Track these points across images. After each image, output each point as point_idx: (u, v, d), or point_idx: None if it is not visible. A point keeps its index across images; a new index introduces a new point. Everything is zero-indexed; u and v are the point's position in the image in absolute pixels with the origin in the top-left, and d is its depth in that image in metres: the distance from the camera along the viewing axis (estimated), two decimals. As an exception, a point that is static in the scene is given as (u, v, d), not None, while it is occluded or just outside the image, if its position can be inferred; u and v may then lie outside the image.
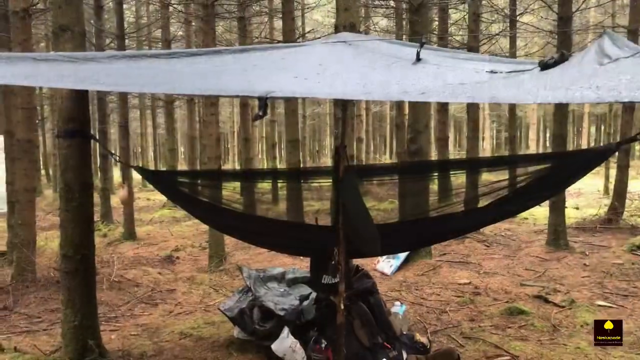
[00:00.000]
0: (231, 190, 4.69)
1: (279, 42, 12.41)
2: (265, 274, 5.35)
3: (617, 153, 10.14)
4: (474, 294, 6.39)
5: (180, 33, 17.55)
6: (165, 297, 6.65)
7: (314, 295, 4.78)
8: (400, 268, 7.59)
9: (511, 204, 3.82)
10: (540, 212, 10.79)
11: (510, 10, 13.37)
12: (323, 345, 4.27)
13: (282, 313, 4.61)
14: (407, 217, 8.05)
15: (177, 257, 8.96)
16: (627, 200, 10.81)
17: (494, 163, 4.94)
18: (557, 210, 8.50)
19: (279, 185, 14.83)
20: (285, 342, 4.36)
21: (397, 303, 5.17)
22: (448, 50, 4.47)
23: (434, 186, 12.49)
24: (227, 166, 34.11)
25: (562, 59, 2.93)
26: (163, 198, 15.39)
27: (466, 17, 13.08)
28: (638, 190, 14.13)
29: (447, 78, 3.00)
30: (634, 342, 4.73)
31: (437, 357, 4.32)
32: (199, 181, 4.86)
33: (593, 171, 3.71)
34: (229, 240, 8.72)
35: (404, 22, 14.32)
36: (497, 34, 14.23)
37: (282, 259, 8.26)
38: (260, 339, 4.68)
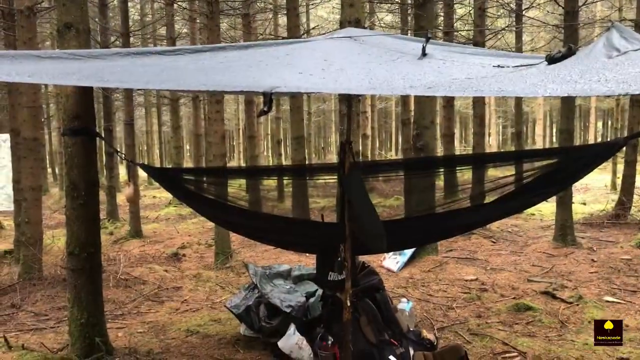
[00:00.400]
0: (237, 188, 4.68)
1: (283, 38, 12.38)
2: (271, 271, 5.34)
3: (624, 148, 10.08)
4: (481, 290, 6.36)
5: (185, 30, 17.53)
6: (171, 295, 6.66)
7: (320, 292, 4.77)
8: (406, 265, 7.57)
9: (518, 199, 3.79)
10: (547, 208, 10.75)
11: (516, 4, 13.30)
12: (329, 342, 4.26)
13: (288, 310, 4.60)
14: (413, 214, 8.03)
15: (183, 255, 8.96)
16: (634, 196, 10.73)
17: (500, 159, 4.92)
18: (564, 205, 8.45)
19: (285, 182, 14.88)
20: (292, 339, 4.35)
21: (404, 300, 5.15)
22: (454, 45, 4.44)
23: (440, 182, 12.46)
24: (233, 163, 34.14)
25: (569, 52, 2.90)
26: (169, 196, 15.43)
27: (472, 12, 13.03)
28: (646, 185, 14.05)
29: (454, 73, 2.98)
30: (643, 338, 4.70)
31: (444, 354, 4.30)
32: (204, 178, 4.85)
33: (600, 166, 3.68)
34: (235, 238, 8.72)
35: (409, 18, 14.27)
36: (503, 29, 14.15)
37: (288, 256, 8.25)
38: (266, 336, 4.68)
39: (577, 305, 5.62)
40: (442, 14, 13.88)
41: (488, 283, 6.64)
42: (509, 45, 14.82)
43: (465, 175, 13.02)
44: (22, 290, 6.51)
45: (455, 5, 14.78)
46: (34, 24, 7.49)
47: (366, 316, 4.46)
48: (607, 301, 5.75)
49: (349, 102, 4.24)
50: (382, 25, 17.50)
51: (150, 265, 8.12)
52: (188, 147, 39.48)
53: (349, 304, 3.85)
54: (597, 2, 15.75)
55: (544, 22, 13.65)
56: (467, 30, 14.36)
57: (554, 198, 8.35)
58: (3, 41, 9.09)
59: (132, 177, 10.06)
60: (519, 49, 13.33)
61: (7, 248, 8.76)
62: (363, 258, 5.33)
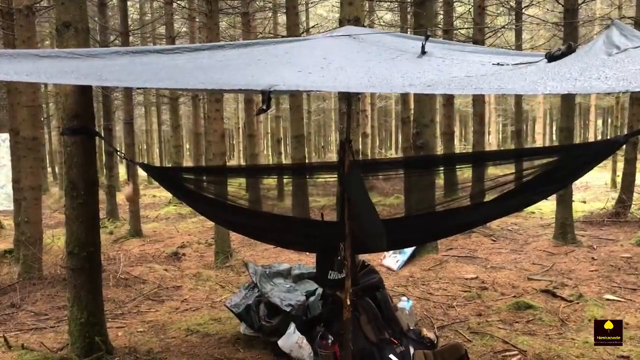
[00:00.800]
0: (237, 187, 4.68)
1: (283, 37, 12.38)
2: (271, 270, 5.34)
3: (624, 146, 10.07)
4: (481, 289, 6.36)
5: (184, 29, 17.55)
6: (171, 294, 6.65)
7: (320, 291, 4.77)
8: (406, 263, 7.57)
9: (518, 198, 3.78)
10: (547, 206, 10.74)
11: (516, 2, 13.28)
12: (330, 341, 4.26)
13: (288, 309, 4.60)
14: (413, 212, 8.03)
15: (183, 254, 8.96)
16: (634, 194, 10.72)
17: (500, 157, 4.90)
18: (564, 203, 8.45)
19: (285, 181, 14.88)
20: (292, 338, 4.35)
21: (404, 298, 5.14)
22: (453, 43, 4.43)
23: (440, 181, 12.46)
24: (233, 162, 34.14)
25: (569, 50, 2.90)
26: (169, 195, 15.43)
27: (471, 10, 13.02)
28: (646, 183, 14.04)
29: (453, 71, 2.97)
30: (643, 336, 4.69)
31: (445, 353, 4.29)
32: (204, 177, 4.85)
33: (600, 164, 3.67)
34: (235, 237, 8.72)
35: (409, 16, 14.26)
36: (503, 27, 14.14)
37: (288, 254, 8.25)
38: (266, 335, 4.68)
39: (578, 303, 5.61)
40: (441, 12, 13.87)
41: (488, 281, 6.64)
42: (508, 44, 14.81)
43: (465, 173, 13.03)
44: (21, 290, 6.50)
45: (455, 4, 14.78)
46: (33, 23, 7.48)
47: (366, 315, 4.46)
48: (608, 299, 5.74)
49: (349, 101, 4.23)
50: (381, 23, 17.50)
51: (150, 264, 8.12)
52: (188, 146, 39.46)
53: (349, 302, 3.85)
54: (596, 0, 15.75)
55: (543, 20, 13.65)
56: (467, 28, 14.35)
57: (554, 196, 8.34)
58: (2, 40, 9.08)
59: (132, 176, 10.06)
60: (518, 47, 13.31)
61: (7, 247, 8.75)
62: (363, 257, 5.32)
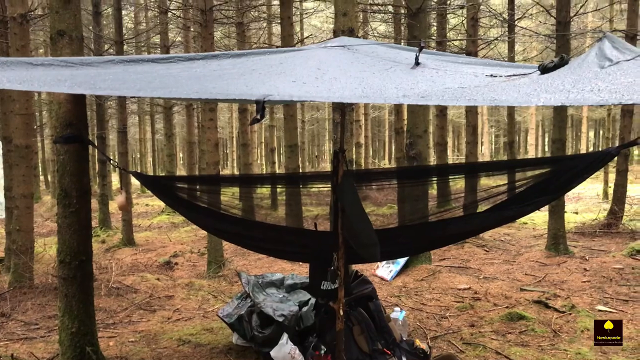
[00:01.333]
0: (230, 196, 4.67)
1: (277, 47, 12.41)
2: (264, 280, 5.32)
3: (616, 157, 10.13)
4: (474, 299, 6.36)
5: (179, 39, 17.55)
6: (163, 304, 6.61)
7: (313, 301, 4.76)
8: (399, 273, 7.57)
9: (510, 209, 3.79)
10: (539, 217, 10.79)
11: (509, 15, 13.39)
12: (322, 352, 4.24)
13: (281, 319, 4.58)
14: (406, 222, 8.03)
15: (176, 263, 8.92)
16: (626, 205, 10.80)
17: (492, 168, 4.93)
18: (557, 214, 8.49)
19: (278, 190, 14.86)
20: (285, 349, 4.33)
21: (397, 309, 5.14)
22: (447, 55, 4.46)
23: (433, 191, 12.48)
24: (226, 171, 34.08)
25: (562, 62, 2.92)
26: (162, 204, 15.39)
27: (464, 22, 13.11)
28: (637, 194, 14.17)
29: (447, 82, 2.99)
30: (635, 347, 4.70)
31: (438, 363, 4.29)
32: (197, 187, 4.83)
33: (592, 176, 3.69)
34: (228, 246, 8.69)
35: (402, 27, 14.35)
36: (496, 39, 14.25)
37: (281, 264, 8.23)
38: (259, 345, 4.66)
39: (570, 314, 5.62)
40: (435, 23, 13.96)
41: (481, 292, 6.64)
42: (501, 55, 14.93)
43: (458, 184, 13.06)
44: (12, 299, 6.45)
45: (448, 15, 14.89)
46: (27, 31, 7.47)
47: (359, 325, 4.45)
48: (600, 310, 5.76)
49: (343, 111, 4.25)
50: (375, 34, 17.57)
51: (142, 273, 8.07)
52: (181, 155, 39.41)
53: (341, 313, 3.84)
54: (588, 13, 15.90)
55: (536, 33, 13.76)
56: (460, 40, 14.45)
57: (546, 207, 8.38)
58: (-4, 48, 9.05)
59: (125, 185, 10.03)
60: (511, 59, 13.41)
61: (-2, 256, 8.69)
62: (356, 267, 5.32)
